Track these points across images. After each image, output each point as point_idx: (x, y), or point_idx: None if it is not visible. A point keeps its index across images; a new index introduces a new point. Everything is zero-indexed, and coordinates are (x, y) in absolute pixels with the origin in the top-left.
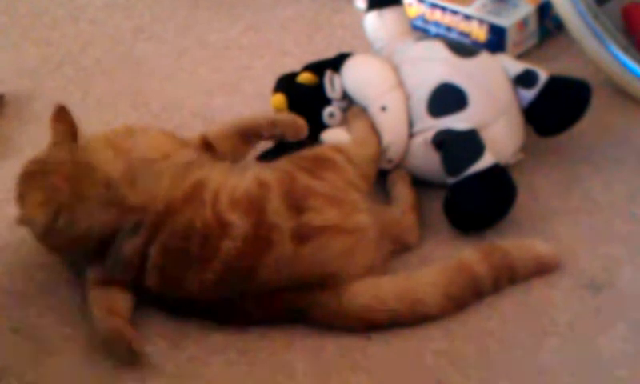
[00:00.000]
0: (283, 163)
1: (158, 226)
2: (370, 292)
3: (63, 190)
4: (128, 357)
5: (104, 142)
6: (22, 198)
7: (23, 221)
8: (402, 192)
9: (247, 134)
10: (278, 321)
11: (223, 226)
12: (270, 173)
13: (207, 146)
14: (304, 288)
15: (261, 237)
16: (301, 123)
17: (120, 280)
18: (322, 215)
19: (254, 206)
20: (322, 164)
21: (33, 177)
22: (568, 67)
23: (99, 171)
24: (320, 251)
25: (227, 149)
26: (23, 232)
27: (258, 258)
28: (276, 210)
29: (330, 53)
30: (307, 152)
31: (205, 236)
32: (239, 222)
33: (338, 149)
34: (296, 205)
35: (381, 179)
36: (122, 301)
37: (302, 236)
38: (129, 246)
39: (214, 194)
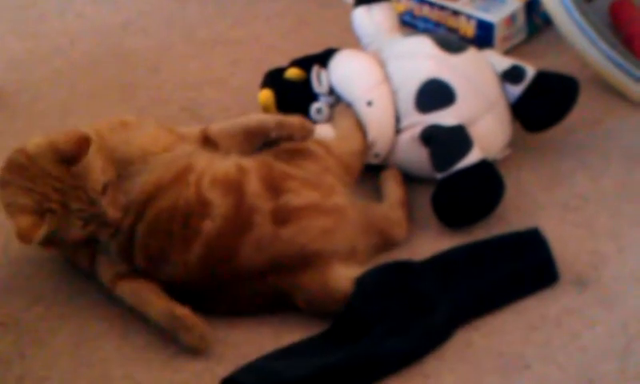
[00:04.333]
0: (263, 154)
1: (146, 206)
2: (355, 276)
3: (53, 200)
4: (198, 344)
5: (95, 146)
6: (3, 186)
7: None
8: (392, 188)
9: (254, 134)
10: (264, 307)
11: (203, 204)
12: (249, 160)
13: (207, 140)
14: (287, 270)
15: (241, 218)
16: (308, 125)
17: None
18: (300, 196)
19: (233, 187)
20: (300, 154)
21: (20, 171)
22: (556, 63)
23: (84, 187)
24: (300, 232)
25: (231, 146)
26: (10, 227)
27: (239, 239)
28: (254, 191)
29: (317, 48)
30: (287, 145)
31: (186, 215)
32: (219, 202)
33: (318, 142)
34: (274, 187)
35: (374, 177)
36: (160, 289)
37: (281, 217)
38: (113, 244)
39: (199, 176)
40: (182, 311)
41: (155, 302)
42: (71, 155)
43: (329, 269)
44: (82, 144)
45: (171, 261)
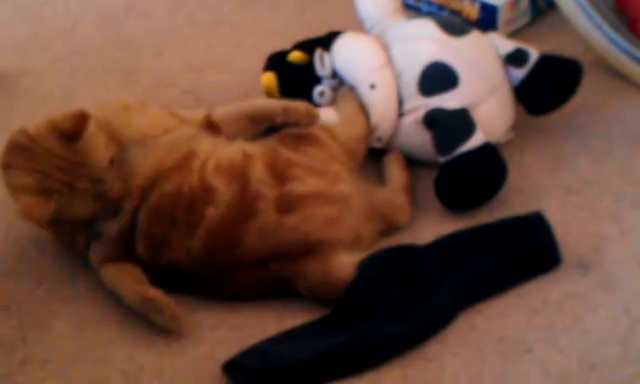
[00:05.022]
0: (268, 140)
1: (146, 192)
2: (356, 263)
3: (57, 180)
4: (169, 325)
5: (97, 123)
6: (6, 168)
7: (23, 216)
8: (395, 173)
9: (259, 120)
10: (266, 294)
11: (207, 191)
12: (254, 146)
13: (210, 124)
14: (290, 258)
15: (245, 205)
16: (314, 111)
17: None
18: (305, 184)
19: (238, 174)
20: (304, 140)
21: (21, 152)
22: (559, 46)
23: (89, 164)
24: (305, 220)
25: (235, 131)
26: (12, 210)
27: (242, 226)
28: (259, 178)
29: (320, 31)
30: (292, 130)
31: (190, 201)
32: (223, 189)
33: (323, 127)
34: (279, 174)
35: (377, 161)
36: (139, 272)
37: (286, 205)
38: (113, 227)
39: (203, 162)
40: (154, 293)
41: (129, 286)
42: (71, 132)
43: (332, 257)
44: (81, 120)
45: (173, 247)
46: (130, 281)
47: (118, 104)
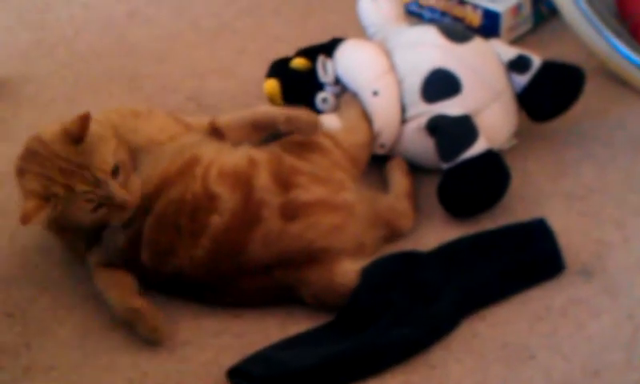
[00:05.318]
0: (272, 146)
1: (153, 200)
2: (360, 269)
3: (58, 183)
4: (151, 336)
5: (105, 127)
6: (21, 174)
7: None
8: (398, 179)
9: (262, 127)
10: (269, 301)
11: (211, 198)
12: (259, 153)
13: (215, 131)
14: (294, 265)
15: (249, 212)
16: (316, 121)
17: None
18: (309, 192)
19: (242, 181)
20: (308, 147)
21: (34, 158)
22: (562, 52)
23: (90, 165)
24: (309, 228)
25: (239, 137)
26: (16, 217)
27: (247, 234)
28: (264, 185)
29: (323, 37)
30: (296, 137)
31: (194, 208)
32: (227, 196)
33: (326, 134)
34: (283, 182)
35: (379, 168)
36: (130, 281)
37: (290, 212)
38: (122, 237)
39: (206, 168)
40: (139, 303)
41: (115, 295)
42: (77, 133)
43: (335, 264)
44: (85, 120)
45: (178, 255)
46: (117, 290)
47: (126, 110)
